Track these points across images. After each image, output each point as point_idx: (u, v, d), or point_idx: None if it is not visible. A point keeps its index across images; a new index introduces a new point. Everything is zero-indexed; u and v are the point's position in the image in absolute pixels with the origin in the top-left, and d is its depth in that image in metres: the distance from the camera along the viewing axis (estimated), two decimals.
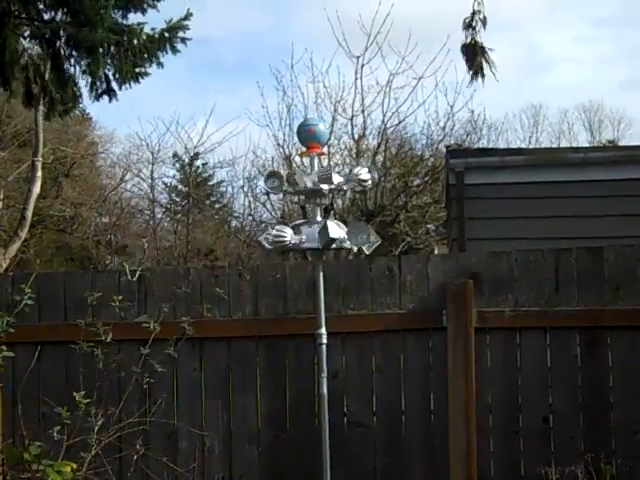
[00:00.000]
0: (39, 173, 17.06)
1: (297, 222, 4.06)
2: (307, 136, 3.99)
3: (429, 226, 17.25)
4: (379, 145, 16.22)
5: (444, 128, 16.63)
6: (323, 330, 4.02)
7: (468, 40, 7.77)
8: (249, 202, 19.90)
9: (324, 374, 3.99)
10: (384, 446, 4.46)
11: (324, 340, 4.02)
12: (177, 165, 29.48)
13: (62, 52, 9.84)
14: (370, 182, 4.12)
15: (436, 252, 18.68)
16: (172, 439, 4.48)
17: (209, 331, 4.45)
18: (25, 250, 22.49)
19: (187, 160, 27.05)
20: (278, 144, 16.47)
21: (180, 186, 30.49)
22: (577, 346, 4.42)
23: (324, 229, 3.81)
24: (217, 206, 31.17)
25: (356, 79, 16.05)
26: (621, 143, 41.54)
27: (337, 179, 4.05)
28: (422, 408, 4.48)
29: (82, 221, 26.97)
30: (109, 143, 29.89)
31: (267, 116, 18.05)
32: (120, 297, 4.36)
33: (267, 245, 3.92)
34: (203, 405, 4.53)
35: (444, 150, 18.05)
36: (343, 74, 21.39)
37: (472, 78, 7.93)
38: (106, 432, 4.07)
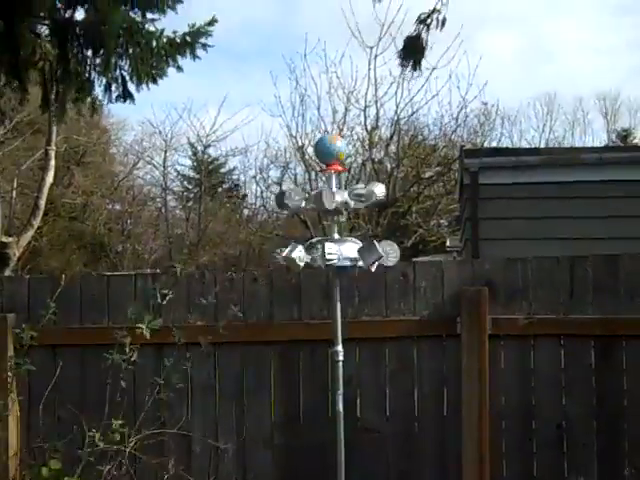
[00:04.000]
0: (52, 162, 17.12)
1: (313, 240, 4.04)
2: (326, 153, 3.96)
3: (442, 221, 17.22)
4: (392, 136, 16.18)
5: (457, 119, 16.57)
6: (340, 347, 4.00)
7: (414, 33, 7.71)
8: (261, 191, 19.91)
9: (340, 391, 3.97)
10: (397, 452, 4.48)
11: (340, 357, 4.00)
12: (190, 152, 29.54)
13: (78, 53, 9.80)
14: (384, 197, 4.08)
15: (448, 244, 18.70)
16: (186, 441, 4.51)
17: (223, 336, 4.45)
18: (38, 238, 22.60)
19: (200, 148, 27.11)
20: (291, 135, 16.47)
21: (192, 173, 30.57)
22: (591, 354, 4.41)
23: (372, 246, 3.82)
24: (229, 194, 31.22)
25: (369, 70, 16.02)
26: (637, 131, 41.30)
27: (349, 199, 4.04)
28: (436, 414, 4.49)
29: (94, 209, 27.07)
30: (121, 131, 29.97)
31: (280, 106, 18.06)
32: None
33: (300, 263, 3.90)
34: (217, 409, 4.55)
35: (457, 140, 18.03)
36: (356, 65, 21.36)
37: (402, 67, 7.90)
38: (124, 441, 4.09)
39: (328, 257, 3.79)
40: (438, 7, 7.55)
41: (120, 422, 4.05)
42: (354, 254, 3.91)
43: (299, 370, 4.52)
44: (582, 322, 4.40)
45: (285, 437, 4.52)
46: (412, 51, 7.59)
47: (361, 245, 3.95)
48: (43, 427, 4.26)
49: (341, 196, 3.94)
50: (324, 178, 4.01)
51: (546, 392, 4.44)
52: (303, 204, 3.97)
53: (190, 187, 30.63)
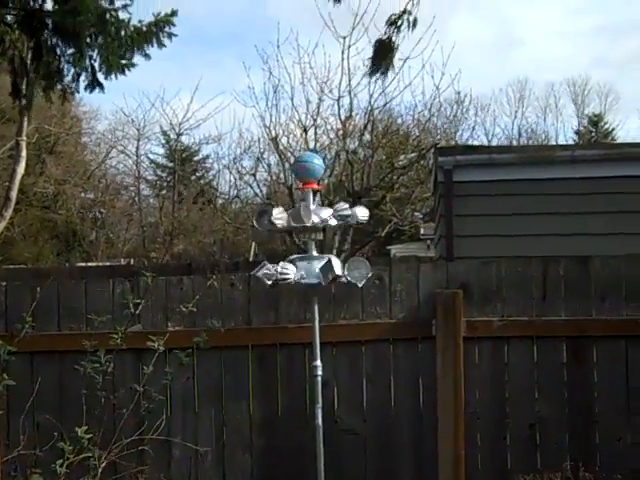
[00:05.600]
0: (24, 153, 16.91)
1: (292, 257, 4.07)
2: (302, 172, 4.00)
3: (416, 214, 17.30)
4: (365, 126, 16.17)
5: (430, 109, 16.62)
6: (318, 362, 4.05)
7: (385, 37, 7.67)
8: (234, 180, 19.82)
9: (319, 405, 4.02)
10: (375, 452, 4.55)
11: (319, 372, 4.05)
12: (163, 140, 29.38)
13: (48, 42, 9.79)
14: (367, 218, 4.13)
15: (422, 232, 18.81)
16: (166, 446, 4.54)
17: (201, 342, 4.47)
18: (10, 228, 22.38)
19: (173, 136, 26.97)
20: (265, 125, 16.36)
21: (166, 162, 30.41)
22: (564, 355, 4.51)
23: (328, 266, 3.85)
24: (202, 182, 31.10)
25: (342, 60, 15.92)
26: (607, 117, 41.77)
27: (332, 220, 4.08)
28: (412, 415, 4.56)
29: (66, 198, 26.82)
30: (94, 119, 29.73)
31: (253, 97, 17.99)
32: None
33: (267, 281, 3.94)
34: (196, 414, 4.59)
35: (431, 127, 18.10)
36: (329, 55, 21.19)
37: (371, 73, 7.91)
38: (103, 446, 4.10)
39: (281, 277, 3.86)
40: (409, 8, 7.51)
41: (95, 432, 4.03)
42: (338, 271, 3.94)
43: (277, 373, 4.57)
44: (555, 323, 4.50)
45: (264, 440, 4.57)
46: (382, 55, 7.57)
47: (323, 264, 3.99)
48: (23, 438, 4.25)
49: (326, 214, 3.99)
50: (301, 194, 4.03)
51: (520, 392, 4.53)
52: (284, 223, 3.97)
53: (164, 175, 30.50)
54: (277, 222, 3.85)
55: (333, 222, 4.02)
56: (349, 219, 4.06)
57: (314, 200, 4.00)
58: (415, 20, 7.41)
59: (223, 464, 4.56)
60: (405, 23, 7.44)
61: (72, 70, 11.21)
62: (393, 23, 7.50)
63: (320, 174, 4.01)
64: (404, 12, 7.45)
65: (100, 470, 3.78)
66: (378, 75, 7.81)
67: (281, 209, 3.95)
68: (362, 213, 4.09)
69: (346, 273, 3.99)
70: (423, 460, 4.53)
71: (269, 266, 3.94)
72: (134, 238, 27.12)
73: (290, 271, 3.88)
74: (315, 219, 3.93)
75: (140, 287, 4.60)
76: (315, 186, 4.05)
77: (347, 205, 4.11)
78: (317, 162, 3.97)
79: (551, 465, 4.40)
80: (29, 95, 11.51)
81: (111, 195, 28.27)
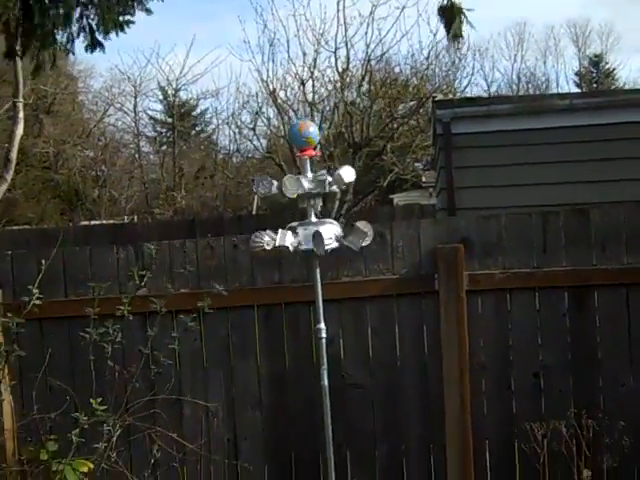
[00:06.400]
0: (21, 114, 16.85)
1: (293, 224, 4.11)
2: (299, 140, 4.03)
3: (417, 164, 17.25)
4: (363, 77, 16.05)
5: (428, 57, 16.45)
6: (322, 325, 4.11)
7: (445, 1, 7.63)
8: (234, 134, 19.74)
9: (324, 366, 4.09)
10: (382, 405, 4.63)
11: (324, 334, 4.12)
12: (160, 96, 29.19)
13: (41, 5, 9.70)
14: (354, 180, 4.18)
15: (424, 179, 18.80)
16: (177, 406, 4.63)
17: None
18: (12, 189, 22.38)
19: (170, 92, 26.78)
20: (262, 79, 16.25)
21: (164, 117, 30.25)
22: (565, 304, 4.56)
23: (318, 237, 3.89)
24: (202, 136, 30.96)
25: (338, 11, 15.75)
26: (608, 57, 41.34)
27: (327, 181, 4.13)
28: (417, 368, 4.63)
29: (67, 157, 26.76)
30: (89, 78, 29.50)
31: (249, 51, 17.84)
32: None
33: (267, 246, 3.99)
34: (205, 374, 4.67)
35: (430, 74, 17.94)
36: (325, 6, 20.97)
37: (450, 41, 7.89)
38: (116, 410, 4.19)
39: (279, 244, 3.93)
40: None
41: (107, 398, 4.12)
42: (332, 235, 4.00)
43: (284, 331, 4.63)
44: (556, 274, 4.53)
45: (273, 396, 4.66)
46: (451, 19, 7.49)
47: (313, 233, 4.05)
48: (36, 406, 4.33)
49: (308, 182, 4.04)
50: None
51: (523, 343, 4.58)
52: (274, 191, 4.08)
53: (163, 131, 30.36)
54: (288, 193, 3.93)
55: (318, 189, 4.09)
56: (334, 185, 4.12)
57: (312, 167, 4.04)
58: None
59: (234, 421, 4.66)
60: None
61: (68, 31, 11.14)
62: None
63: (315, 142, 4.07)
64: None
65: (115, 438, 3.87)
66: (458, 41, 7.79)
67: (293, 177, 4.03)
68: (348, 174, 4.15)
69: (343, 237, 4.04)
70: (430, 411, 4.61)
71: (266, 235, 4.00)
72: (137, 195, 27.14)
73: (287, 240, 3.95)
74: (305, 187, 3.99)
75: (145, 253, 4.64)
76: (312, 153, 4.11)
77: (325, 172, 4.17)
78: (312, 130, 4.02)
79: (556, 412, 4.47)
80: (36, 63, 11.46)
81: (111, 152, 28.20)
